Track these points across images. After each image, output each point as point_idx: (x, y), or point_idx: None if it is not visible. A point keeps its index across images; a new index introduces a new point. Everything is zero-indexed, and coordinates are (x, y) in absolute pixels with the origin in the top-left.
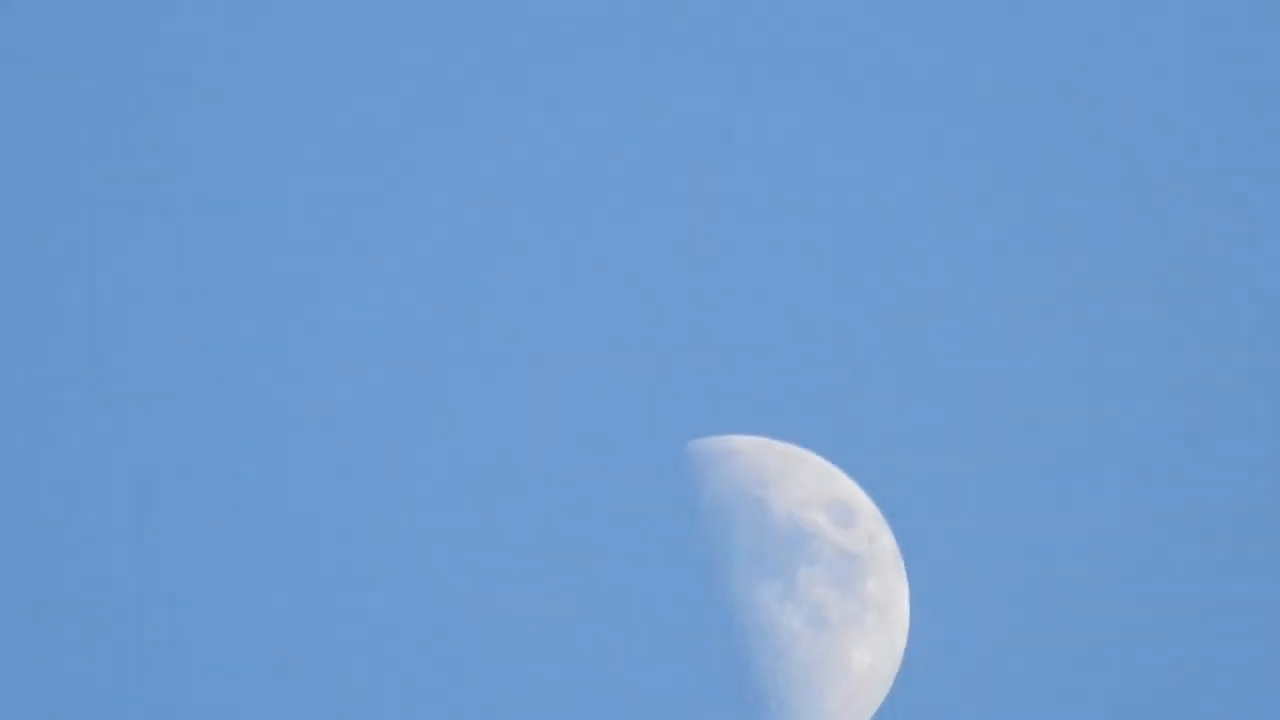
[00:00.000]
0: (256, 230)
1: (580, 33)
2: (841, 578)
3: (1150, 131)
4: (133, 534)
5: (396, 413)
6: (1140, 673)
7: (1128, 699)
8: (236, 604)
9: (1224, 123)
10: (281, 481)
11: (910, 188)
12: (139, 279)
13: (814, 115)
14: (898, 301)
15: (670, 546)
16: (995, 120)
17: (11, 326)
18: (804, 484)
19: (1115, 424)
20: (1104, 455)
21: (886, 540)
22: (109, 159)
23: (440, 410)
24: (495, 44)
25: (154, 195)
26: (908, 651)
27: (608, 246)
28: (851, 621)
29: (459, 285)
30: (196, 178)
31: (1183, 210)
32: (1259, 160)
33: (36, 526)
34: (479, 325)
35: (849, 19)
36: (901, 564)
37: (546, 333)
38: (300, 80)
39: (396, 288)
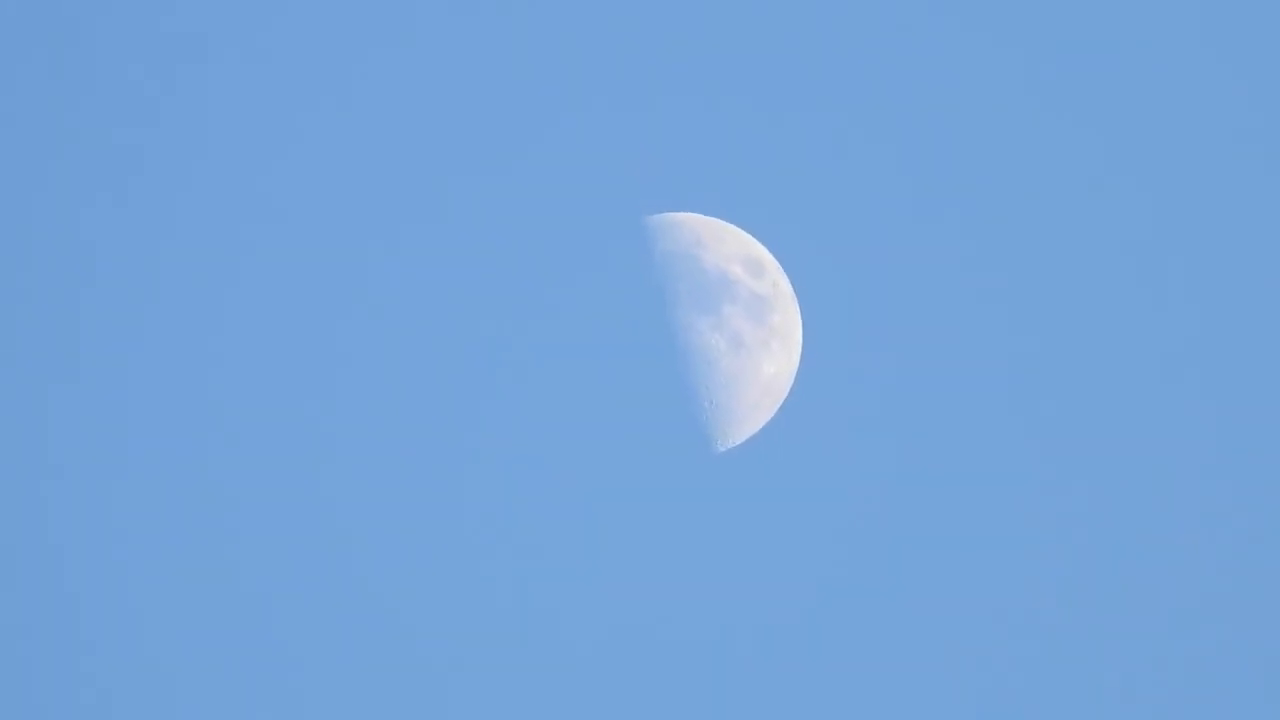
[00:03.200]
0: (256, 230)
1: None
2: (754, 312)
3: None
4: (132, 534)
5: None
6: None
7: (997, 424)
8: (237, 603)
9: (1222, 124)
10: (277, 475)
11: None
12: (139, 279)
13: None
14: (811, 104)
15: (629, 289)
16: None
17: (12, 326)
18: (728, 246)
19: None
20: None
21: (785, 286)
22: (109, 159)
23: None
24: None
25: (154, 195)
26: (801, 365)
27: (574, 64)
28: (761, 344)
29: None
30: (196, 178)
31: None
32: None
33: (37, 526)
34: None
35: None
36: (797, 304)
37: (528, 140)
38: (300, 80)
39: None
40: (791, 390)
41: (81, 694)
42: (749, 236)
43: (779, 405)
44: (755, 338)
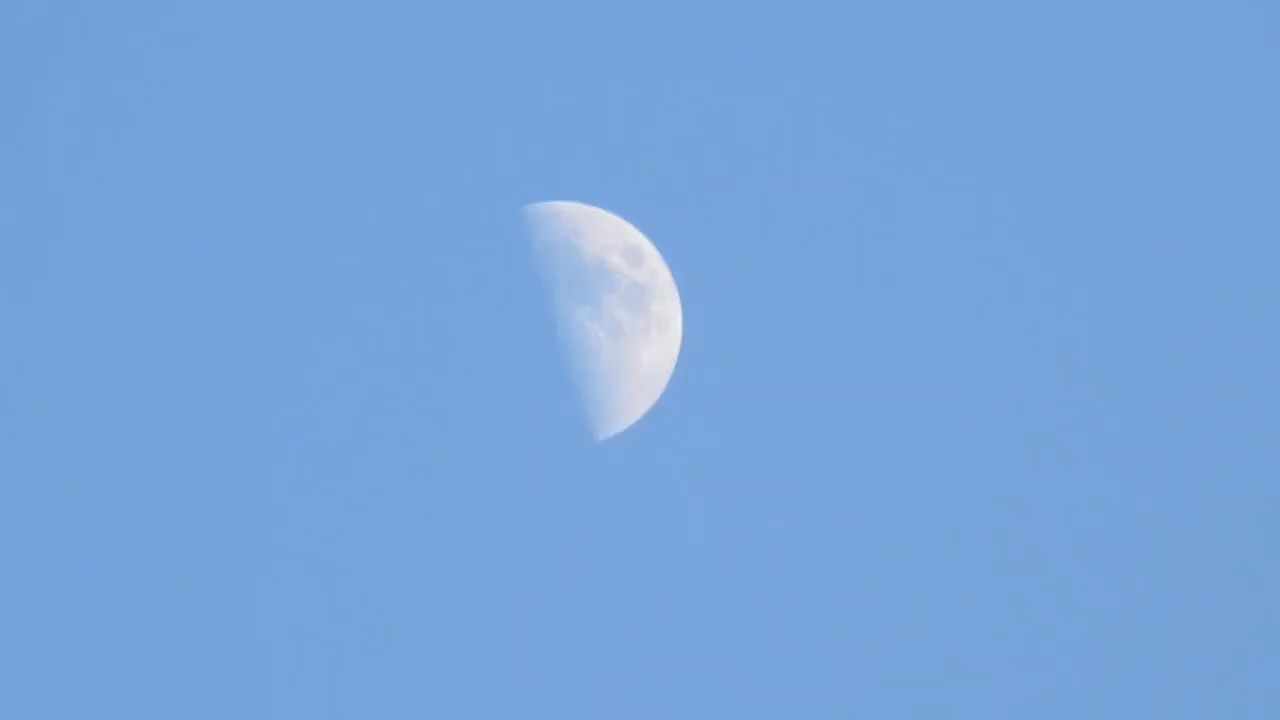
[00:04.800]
0: (254, 231)
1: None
2: (633, 301)
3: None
4: (130, 535)
5: None
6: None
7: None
8: (237, 603)
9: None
10: (259, 459)
11: None
12: (138, 281)
13: None
14: (685, 93)
15: (508, 280)
16: None
17: (12, 327)
18: (606, 235)
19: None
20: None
21: (665, 274)
22: (110, 160)
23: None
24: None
25: (153, 197)
26: (680, 353)
27: (459, 52)
28: (640, 332)
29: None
30: (195, 179)
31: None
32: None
33: (36, 527)
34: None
35: None
36: (676, 291)
37: (413, 125)
38: (298, 81)
39: None
40: (671, 379)
41: (82, 693)
42: (628, 225)
43: (658, 394)
44: (634, 326)
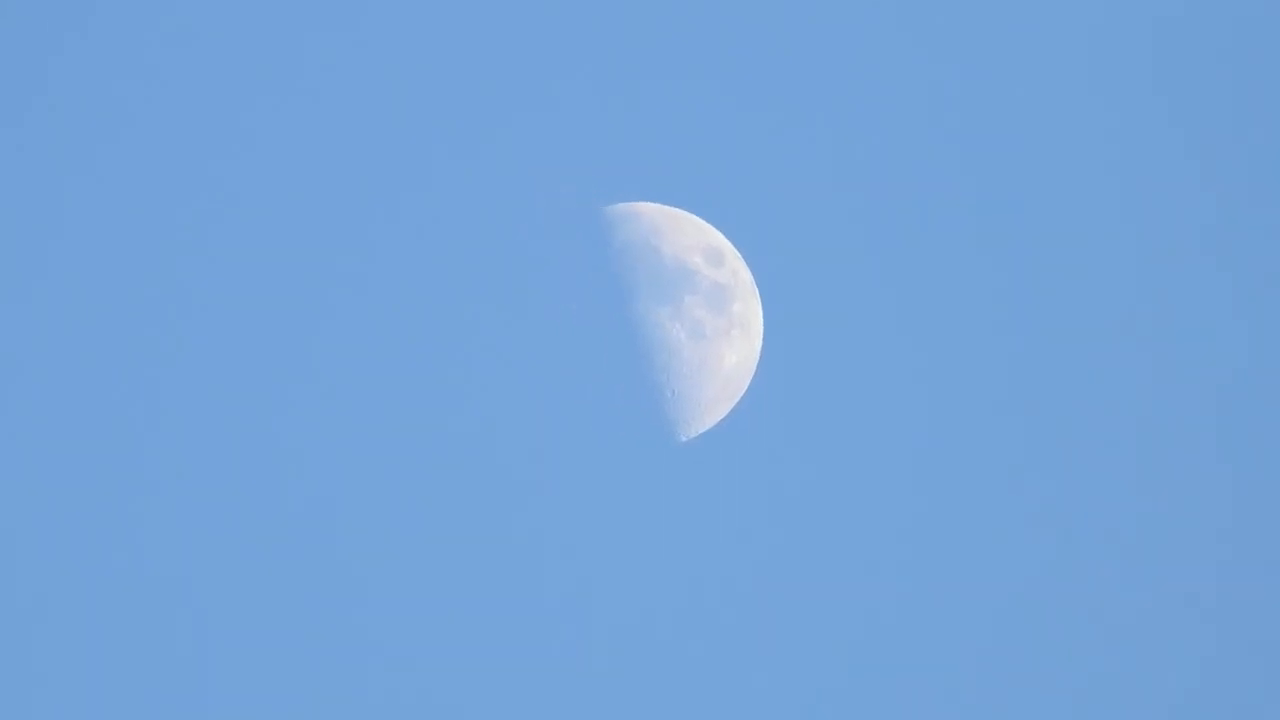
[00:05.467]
0: (254, 232)
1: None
2: (715, 301)
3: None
4: (130, 534)
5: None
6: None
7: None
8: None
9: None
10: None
11: None
12: (139, 282)
13: None
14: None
15: (588, 280)
16: None
17: (12, 327)
18: (686, 235)
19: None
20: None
21: (746, 275)
22: (111, 161)
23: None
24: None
25: (154, 198)
26: (762, 354)
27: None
28: (722, 333)
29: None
30: (195, 180)
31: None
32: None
33: (38, 526)
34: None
35: None
36: (757, 292)
37: (487, 118)
38: (257, 74)
39: None
40: (752, 379)
41: (82, 693)
42: (708, 225)
43: (740, 395)
44: (716, 327)
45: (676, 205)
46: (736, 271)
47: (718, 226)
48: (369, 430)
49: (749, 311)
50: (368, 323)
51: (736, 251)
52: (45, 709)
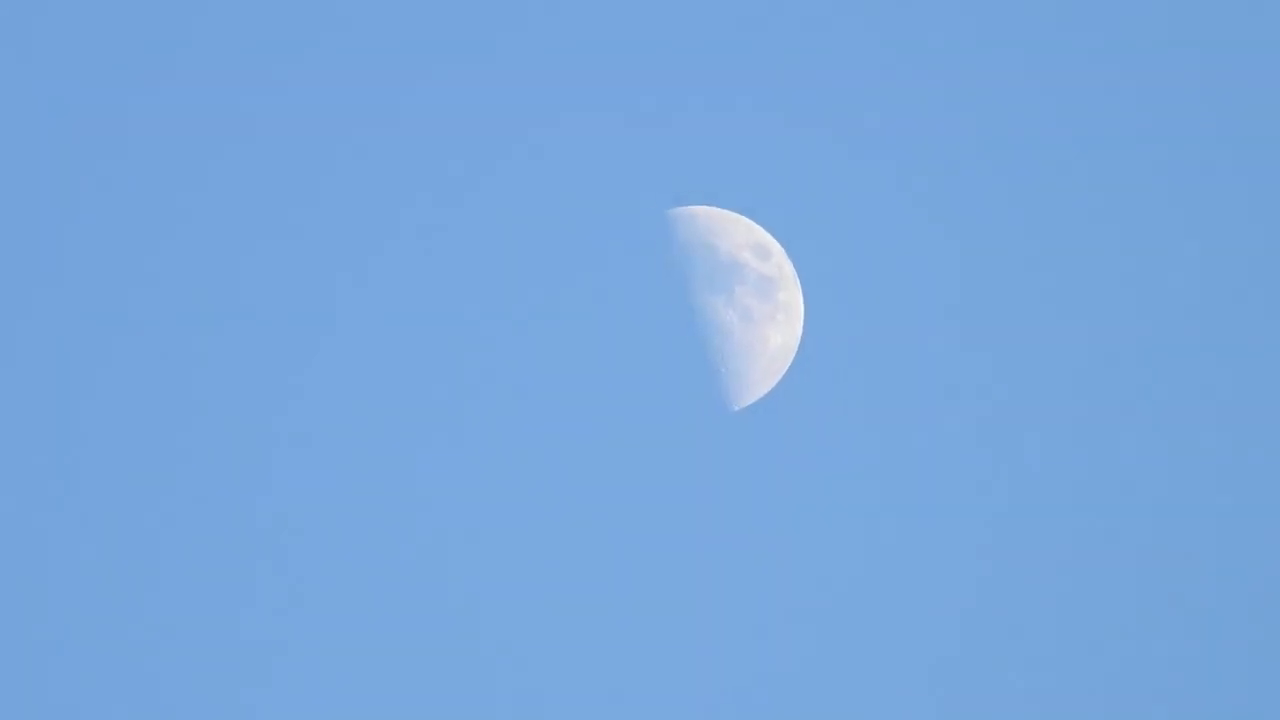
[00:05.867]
0: (255, 236)
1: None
2: (762, 291)
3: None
4: (129, 534)
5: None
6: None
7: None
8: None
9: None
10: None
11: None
12: (140, 282)
13: None
14: (815, 111)
15: (653, 274)
16: None
17: (12, 327)
18: (738, 235)
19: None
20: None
21: (789, 269)
22: (112, 162)
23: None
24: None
25: (155, 199)
26: (803, 338)
27: (594, 40)
28: (768, 318)
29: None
30: (196, 182)
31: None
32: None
33: (37, 526)
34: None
35: None
36: (799, 283)
37: (554, 127)
38: (300, 82)
39: None
40: (794, 359)
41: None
42: (757, 225)
43: (783, 372)
44: (763, 312)
45: (729, 208)
46: (781, 265)
47: (765, 227)
48: (464, 413)
49: (792, 300)
50: (446, 315)
51: (781, 248)
52: (45, 709)
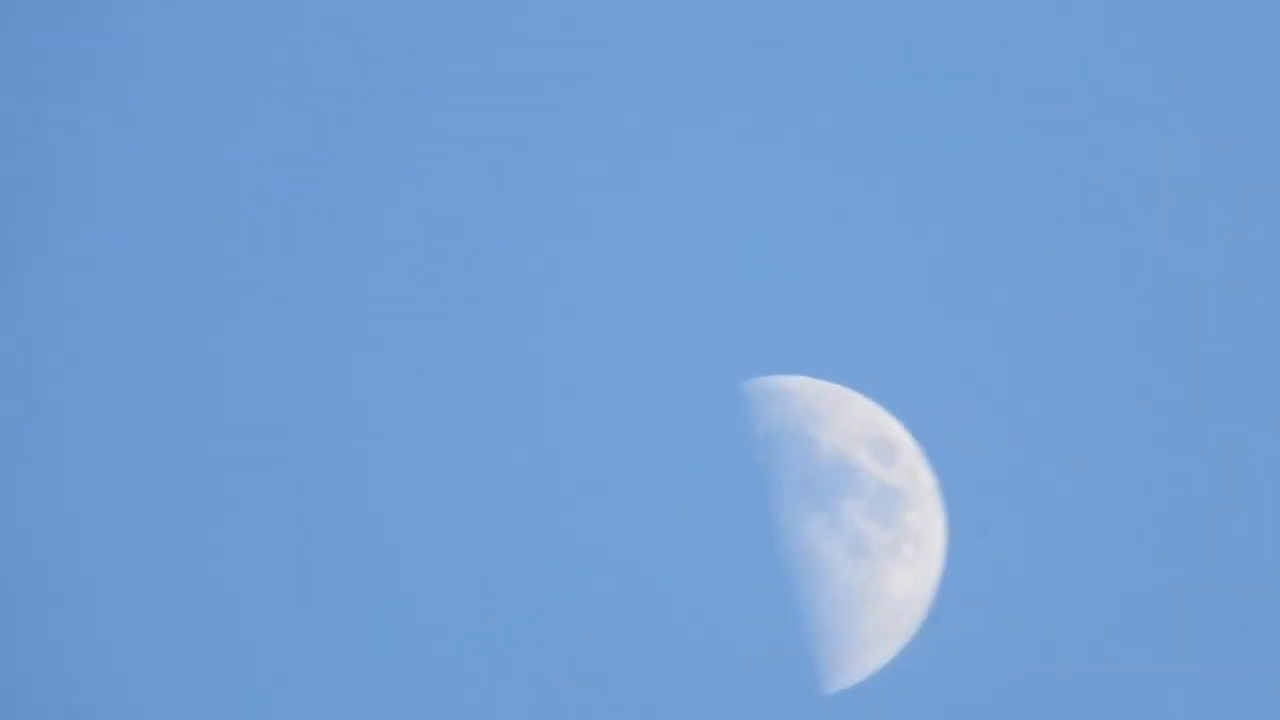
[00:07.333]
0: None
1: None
2: (883, 509)
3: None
4: (130, 533)
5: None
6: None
7: (1151, 614)
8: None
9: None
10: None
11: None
12: (141, 281)
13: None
14: (940, 253)
15: (726, 476)
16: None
17: (13, 327)
18: (850, 421)
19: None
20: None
21: (926, 477)
22: (114, 160)
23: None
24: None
25: (157, 198)
26: (941, 580)
27: (661, 192)
28: (890, 550)
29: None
30: (196, 179)
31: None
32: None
33: (38, 525)
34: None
35: None
36: (939, 499)
37: (613, 280)
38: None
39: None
40: (928, 613)
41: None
42: (878, 408)
43: (912, 633)
44: (883, 542)
45: (837, 381)
46: (914, 470)
47: (891, 411)
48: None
49: (927, 523)
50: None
51: (914, 444)
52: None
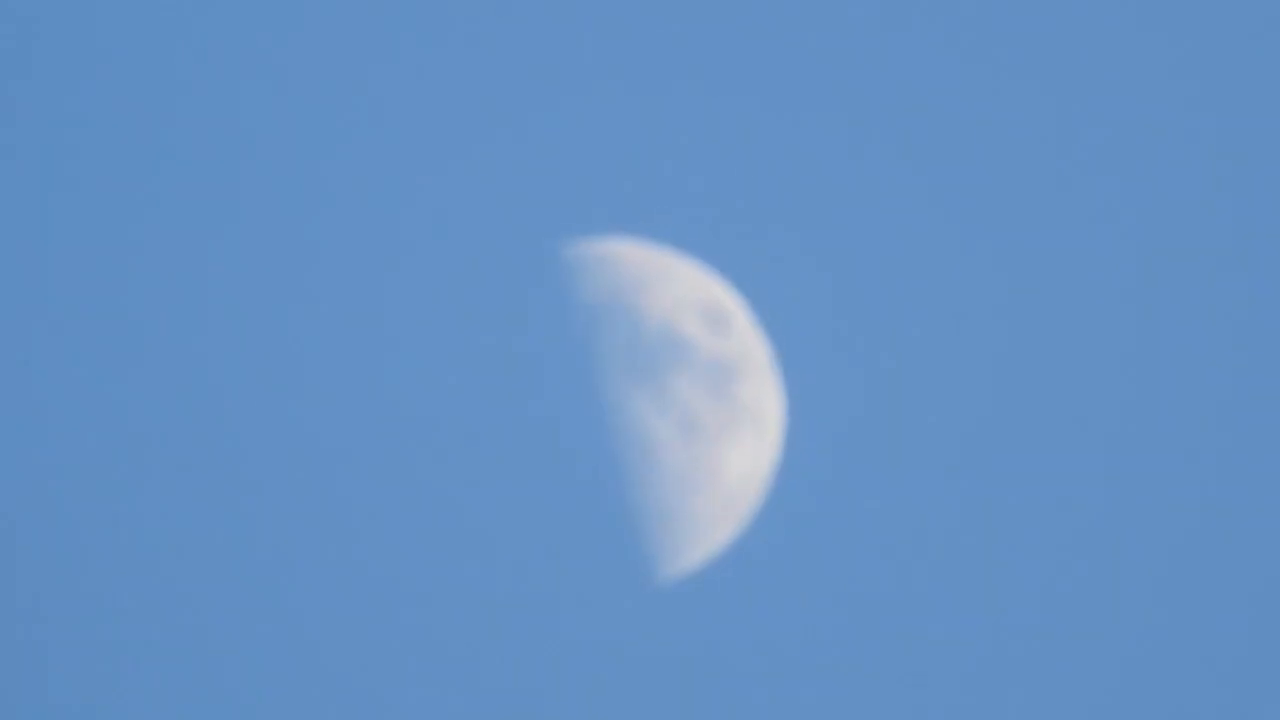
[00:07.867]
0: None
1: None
2: (715, 384)
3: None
4: (129, 534)
5: None
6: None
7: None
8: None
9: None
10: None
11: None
12: (141, 281)
13: None
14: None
15: (542, 349)
16: None
17: (12, 327)
18: (679, 288)
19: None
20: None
21: (760, 348)
22: (114, 161)
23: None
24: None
25: (157, 197)
26: (780, 460)
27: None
28: (723, 428)
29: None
30: (195, 178)
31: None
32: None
33: (37, 526)
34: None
35: None
36: (775, 373)
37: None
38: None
39: None
40: (765, 496)
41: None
42: (709, 275)
43: (747, 516)
44: (716, 419)
45: (667, 244)
46: (746, 342)
47: (724, 276)
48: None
49: (762, 399)
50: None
51: (747, 314)
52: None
